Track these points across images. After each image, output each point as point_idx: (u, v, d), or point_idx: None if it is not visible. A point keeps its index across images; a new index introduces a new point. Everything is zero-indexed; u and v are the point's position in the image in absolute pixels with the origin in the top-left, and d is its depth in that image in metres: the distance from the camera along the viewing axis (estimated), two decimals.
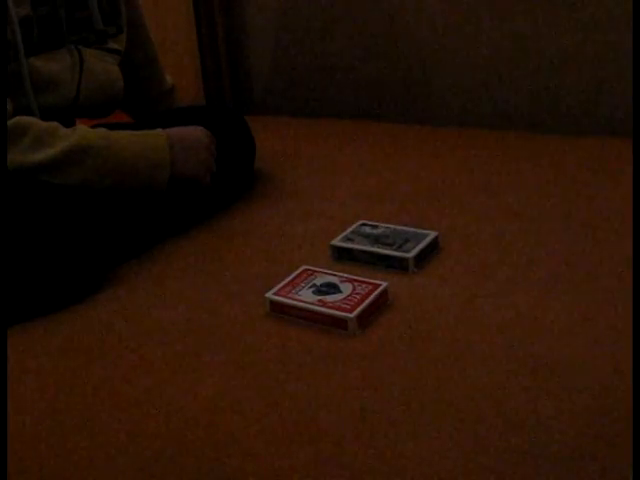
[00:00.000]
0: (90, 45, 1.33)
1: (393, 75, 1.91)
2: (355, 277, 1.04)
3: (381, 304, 1.00)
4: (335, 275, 1.05)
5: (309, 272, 1.06)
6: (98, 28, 1.33)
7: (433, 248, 1.14)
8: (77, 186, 1.13)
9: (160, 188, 1.20)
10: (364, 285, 1.01)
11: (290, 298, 1.00)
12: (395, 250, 1.11)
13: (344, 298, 0.99)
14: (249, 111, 2.05)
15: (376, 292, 0.99)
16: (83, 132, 1.15)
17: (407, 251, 1.10)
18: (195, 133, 1.27)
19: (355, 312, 0.95)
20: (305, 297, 1.00)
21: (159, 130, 1.22)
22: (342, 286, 1.02)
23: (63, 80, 1.26)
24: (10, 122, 1.12)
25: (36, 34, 1.22)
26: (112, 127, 1.24)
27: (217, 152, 1.32)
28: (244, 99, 2.17)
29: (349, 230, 1.19)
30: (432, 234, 1.15)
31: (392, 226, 1.19)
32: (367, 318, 0.97)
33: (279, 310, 1.00)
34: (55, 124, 1.15)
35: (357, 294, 0.99)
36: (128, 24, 1.43)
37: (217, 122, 1.43)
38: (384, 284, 1.01)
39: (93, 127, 1.22)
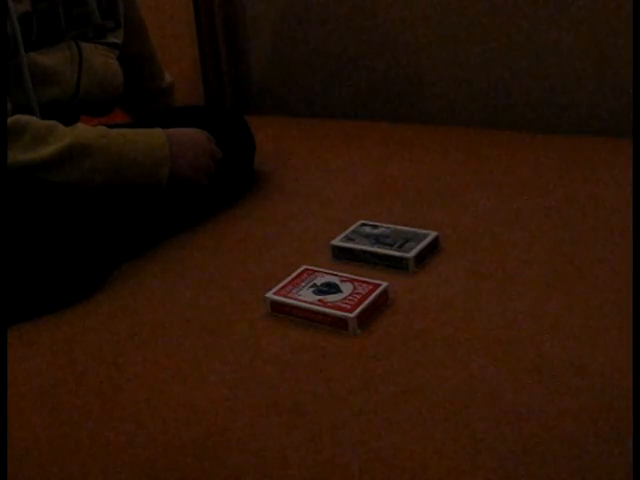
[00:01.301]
0: (89, 40, 1.32)
1: (393, 75, 1.91)
2: (355, 277, 1.04)
3: (381, 304, 1.00)
4: (335, 275, 1.05)
5: (309, 272, 1.06)
6: (96, 22, 1.32)
7: (433, 248, 1.14)
8: (75, 184, 1.12)
9: (159, 186, 1.20)
10: (364, 285, 1.01)
11: (290, 298, 1.00)
12: (395, 250, 1.11)
13: (344, 298, 0.99)
14: (249, 111, 2.05)
15: (376, 292, 0.99)
16: (82, 130, 1.15)
17: (407, 251, 1.10)
18: (194, 135, 1.27)
19: (355, 312, 0.95)
20: (305, 297, 1.00)
21: (159, 129, 1.22)
22: (342, 286, 1.02)
23: (62, 74, 1.26)
24: (9, 120, 1.12)
25: (35, 30, 1.22)
26: (111, 127, 1.24)
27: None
28: (244, 99, 2.17)
29: (349, 230, 1.19)
30: (432, 234, 1.15)
31: (392, 226, 1.19)
32: (367, 318, 0.97)
33: (279, 310, 1.00)
34: (54, 122, 1.15)
35: (357, 294, 0.99)
36: (125, 19, 1.43)
37: (217, 122, 1.43)
38: (384, 284, 1.01)
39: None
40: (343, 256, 1.14)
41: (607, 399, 0.79)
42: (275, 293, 1.01)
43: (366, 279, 1.03)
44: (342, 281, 1.03)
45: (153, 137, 1.20)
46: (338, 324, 0.95)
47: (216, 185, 1.31)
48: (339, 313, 0.95)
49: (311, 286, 1.02)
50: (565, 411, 0.77)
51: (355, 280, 1.03)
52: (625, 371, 0.82)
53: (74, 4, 1.29)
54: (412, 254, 1.09)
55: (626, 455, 0.70)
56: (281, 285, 1.03)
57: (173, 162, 1.20)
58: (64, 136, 1.13)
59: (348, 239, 1.16)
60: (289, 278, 1.05)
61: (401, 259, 1.10)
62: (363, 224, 1.21)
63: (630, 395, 0.77)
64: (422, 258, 1.11)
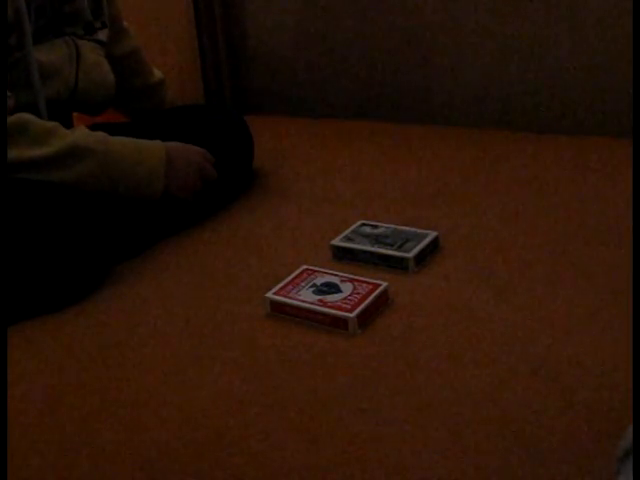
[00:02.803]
0: (81, 38, 1.32)
1: (393, 75, 1.91)
2: (355, 277, 1.04)
3: (381, 304, 1.00)
4: (335, 275, 1.05)
5: (309, 272, 1.06)
6: (87, 19, 1.32)
7: (433, 248, 1.14)
8: (71, 185, 1.12)
9: (152, 199, 1.20)
10: (364, 285, 1.01)
11: (290, 298, 1.00)
12: (395, 250, 1.11)
13: (344, 298, 0.99)
14: (249, 111, 2.05)
15: (376, 292, 0.99)
16: (82, 134, 1.15)
17: (407, 251, 1.10)
18: (190, 155, 1.26)
19: (355, 312, 0.95)
20: (305, 297, 1.00)
21: (159, 143, 1.22)
22: (342, 286, 1.02)
23: (62, 71, 1.26)
24: (11, 119, 1.11)
25: (33, 20, 1.20)
26: (109, 127, 1.24)
27: (216, 152, 1.31)
28: (244, 99, 2.17)
29: (349, 230, 1.19)
30: (432, 234, 1.15)
31: (392, 226, 1.19)
32: (367, 318, 0.97)
33: (279, 310, 1.00)
34: (55, 124, 1.15)
35: (357, 294, 0.99)
36: (108, 18, 1.41)
37: (216, 122, 1.42)
38: (384, 284, 1.01)
39: (91, 128, 1.21)
40: (343, 256, 1.14)
41: (607, 399, 0.79)
42: (275, 293, 1.01)
43: (366, 279, 1.03)
44: (342, 281, 1.03)
45: (153, 151, 1.20)
46: (338, 324, 0.95)
47: (215, 185, 1.31)
48: (339, 313, 0.95)
49: (311, 286, 1.02)
50: (565, 410, 0.77)
51: (355, 280, 1.03)
52: (625, 371, 0.82)
53: (64, 1, 1.28)
54: (412, 254, 1.09)
55: None
56: (281, 285, 1.03)
57: (167, 178, 1.20)
58: (65, 137, 1.13)
59: (348, 239, 1.16)
60: (289, 278, 1.05)
61: (401, 259, 1.10)
62: (363, 224, 1.21)
63: (630, 395, 0.77)
64: (422, 258, 1.11)
